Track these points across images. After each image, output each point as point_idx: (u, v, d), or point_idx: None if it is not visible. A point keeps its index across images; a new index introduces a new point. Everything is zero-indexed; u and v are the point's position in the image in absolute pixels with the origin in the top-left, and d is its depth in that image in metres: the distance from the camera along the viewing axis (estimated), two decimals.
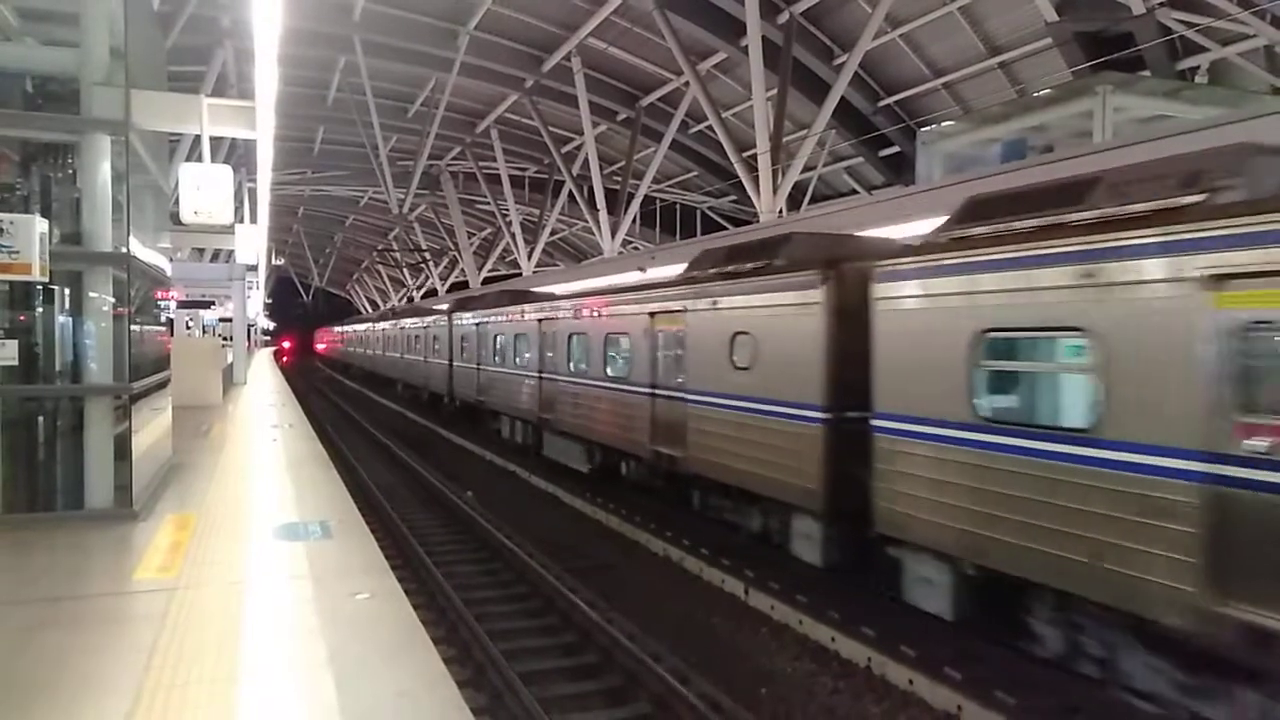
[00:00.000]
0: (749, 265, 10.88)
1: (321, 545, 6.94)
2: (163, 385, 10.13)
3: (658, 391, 12.73)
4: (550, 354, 17.14)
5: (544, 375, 17.41)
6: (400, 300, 63.87)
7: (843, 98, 20.01)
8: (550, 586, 9.74)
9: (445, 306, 29.47)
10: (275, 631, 5.07)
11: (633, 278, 18.55)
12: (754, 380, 10.31)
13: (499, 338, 21.00)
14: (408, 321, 35.02)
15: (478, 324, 23.17)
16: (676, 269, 17.57)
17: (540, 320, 17.75)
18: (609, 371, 14.39)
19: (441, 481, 16.32)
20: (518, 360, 19.27)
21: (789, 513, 9.96)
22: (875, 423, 8.29)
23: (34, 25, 8.32)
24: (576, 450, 15.93)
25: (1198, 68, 16.05)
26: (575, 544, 12.19)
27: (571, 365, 15.98)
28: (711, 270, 11.71)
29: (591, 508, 14.13)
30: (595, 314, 14.88)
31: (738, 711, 6.63)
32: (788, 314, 9.67)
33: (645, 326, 13.02)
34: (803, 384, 9.38)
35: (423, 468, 18.06)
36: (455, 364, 25.71)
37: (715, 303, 11.15)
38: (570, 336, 16.02)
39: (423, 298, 55.61)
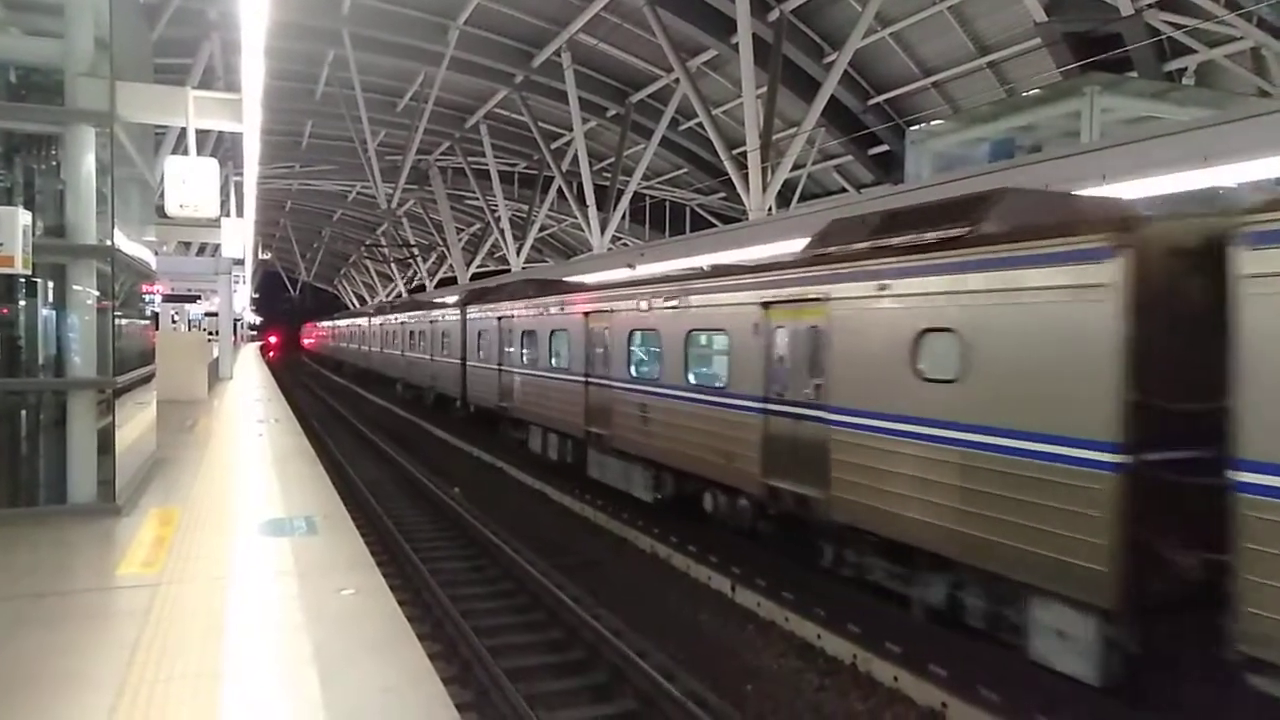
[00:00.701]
0: (932, 235, 7.83)
1: (307, 541, 6.91)
2: (147, 380, 10.06)
3: (774, 407, 9.62)
4: (602, 354, 14.22)
5: (592, 380, 14.42)
6: (389, 295, 62.90)
7: (832, 96, 20.01)
8: (536, 583, 9.73)
9: (456, 299, 27.25)
10: (260, 627, 5.05)
11: (701, 261, 16.40)
12: (962, 398, 7.22)
13: (530, 335, 17.71)
14: (410, 316, 31.87)
15: (500, 318, 19.82)
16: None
17: (588, 314, 14.74)
18: (691, 378, 11.49)
19: (428, 477, 16.28)
20: (555, 361, 16.20)
21: (1026, 595, 6.87)
22: (1243, 476, 5.28)
23: (18, 15, 8.24)
24: (638, 475, 13.06)
25: (1185, 69, 16.14)
26: (562, 540, 12.19)
27: (634, 370, 13.16)
28: (867, 244, 8.63)
29: (579, 504, 14.12)
30: (673, 306, 11.90)
31: (724, 708, 6.64)
32: (1038, 302, 6.64)
33: (756, 321, 9.93)
34: (1072, 409, 6.33)
35: (409, 463, 18.00)
36: (470, 364, 22.69)
37: (883, 287, 8.09)
38: (632, 334, 13.20)
39: (411, 292, 54.47)
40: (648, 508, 12.82)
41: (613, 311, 13.86)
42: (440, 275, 50.03)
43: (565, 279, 20.58)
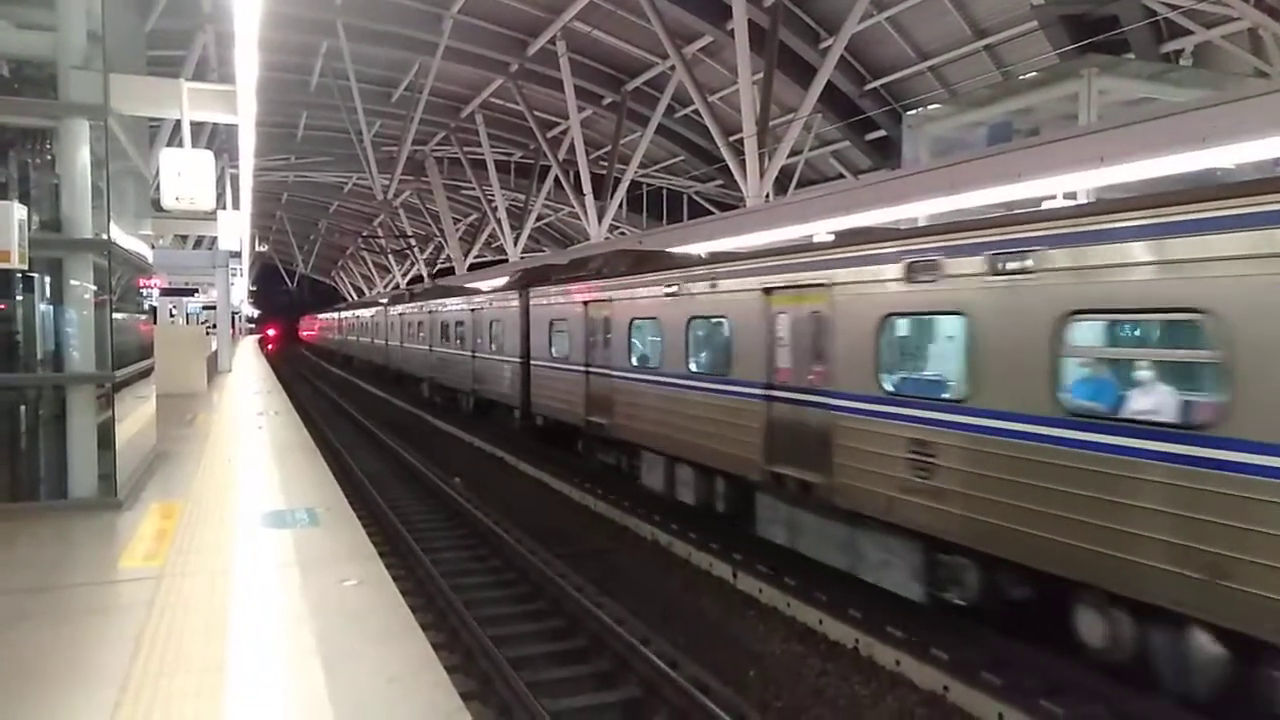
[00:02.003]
0: None
1: (309, 533, 6.92)
2: (146, 373, 10.06)
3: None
4: (811, 354, 9.08)
5: (783, 394, 9.51)
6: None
7: (829, 81, 19.93)
8: (539, 572, 9.75)
9: (509, 279, 22.07)
10: (263, 619, 5.06)
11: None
12: None
13: (648, 325, 12.85)
14: (441, 304, 26.82)
15: (590, 303, 14.59)
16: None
17: (770, 291, 9.71)
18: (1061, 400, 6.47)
19: (429, 468, 16.29)
20: (698, 363, 11.46)
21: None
22: None
23: (10, 8, 8.18)
24: (900, 556, 7.95)
25: (1182, 50, 16.06)
26: (564, 530, 12.21)
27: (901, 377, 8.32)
28: None
29: (580, 493, 14.13)
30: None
31: (726, 694, 6.66)
32: None
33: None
34: None
35: (410, 455, 18.01)
36: (537, 363, 17.61)
37: None
38: (889, 322, 8.12)
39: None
40: (649, 496, 12.77)
41: (868, 290, 8.25)
42: (439, 266, 49.88)
43: (679, 250, 15.17)
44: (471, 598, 9.03)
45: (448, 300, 26.53)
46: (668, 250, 15.59)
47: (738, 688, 6.95)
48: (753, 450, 9.84)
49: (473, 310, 23.11)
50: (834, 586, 8.75)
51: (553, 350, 16.67)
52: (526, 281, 19.11)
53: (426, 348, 28.03)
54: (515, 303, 19.05)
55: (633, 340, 13.32)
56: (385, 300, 39.41)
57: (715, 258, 11.91)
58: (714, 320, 11.21)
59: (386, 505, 13.12)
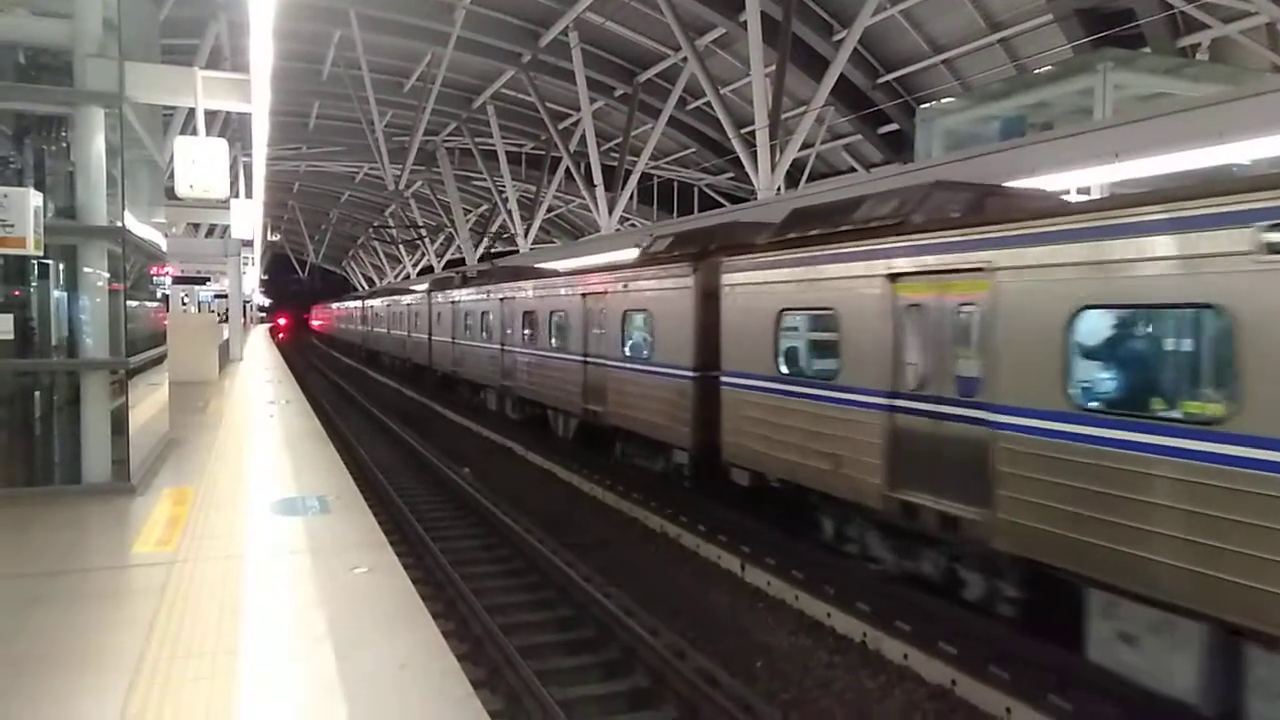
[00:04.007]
0: None
1: (320, 520, 6.96)
2: (159, 361, 10.11)
3: None
4: None
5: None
6: (397, 277, 61.30)
7: (842, 74, 19.89)
8: (547, 561, 9.78)
9: (660, 251, 13.58)
10: (274, 605, 5.09)
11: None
12: None
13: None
14: (519, 289, 19.39)
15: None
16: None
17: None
18: None
19: (438, 458, 16.34)
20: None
21: None
22: None
23: None
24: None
25: (1199, 45, 15.95)
26: (572, 520, 12.23)
27: None
28: None
29: (588, 484, 14.16)
30: None
31: (734, 685, 6.68)
32: None
33: None
34: None
35: (420, 444, 18.07)
36: (734, 380, 10.64)
37: None
38: None
39: (418, 274, 52.12)
40: (658, 485, 12.75)
41: None
42: (449, 256, 49.96)
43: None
44: (480, 586, 9.06)
45: (526, 284, 19.05)
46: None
47: (745, 679, 6.97)
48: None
49: (582, 296, 15.38)
50: (842, 580, 8.76)
51: (783, 362, 9.84)
52: (700, 251, 11.94)
53: (497, 347, 20.75)
54: (683, 282, 11.87)
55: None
56: (427, 285, 31.44)
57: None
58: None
59: (396, 494, 13.18)
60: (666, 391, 12.24)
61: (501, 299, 20.62)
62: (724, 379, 10.87)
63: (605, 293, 14.32)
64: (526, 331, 18.63)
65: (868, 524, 8.82)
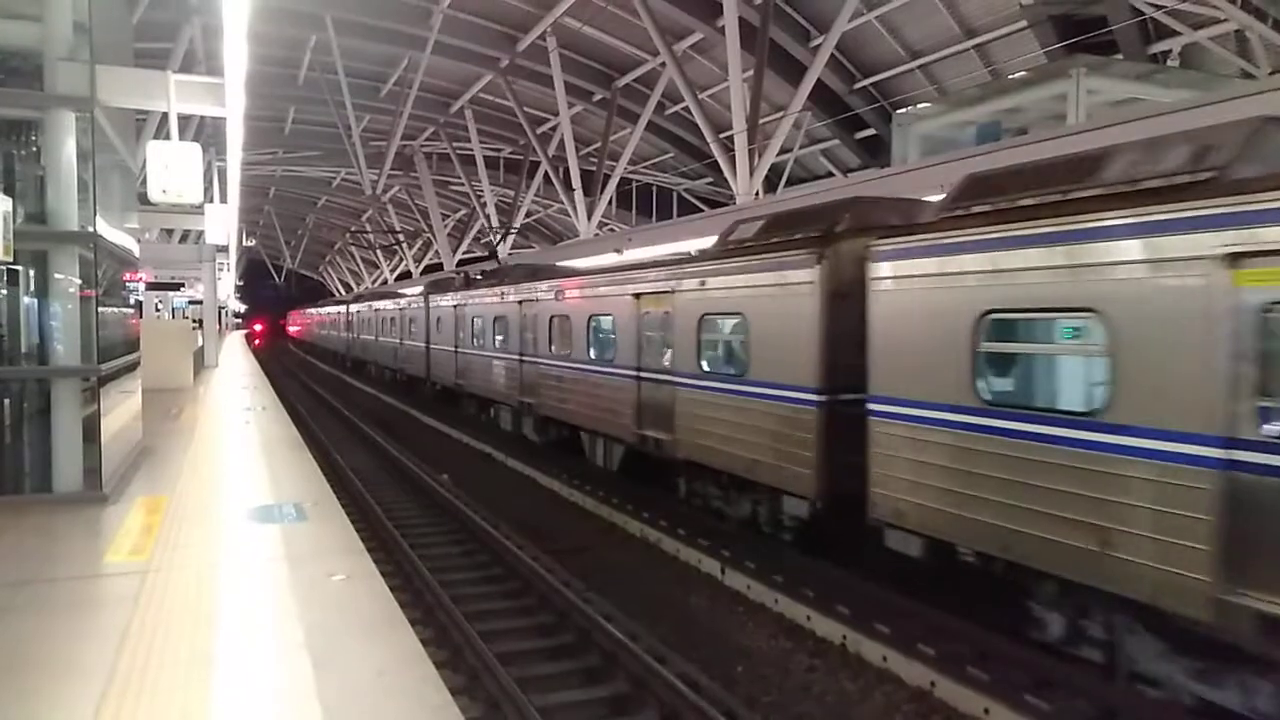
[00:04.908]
0: None
1: (296, 527, 6.89)
2: (132, 368, 9.99)
3: None
4: None
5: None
6: (375, 283, 60.65)
7: (819, 79, 20.02)
8: (527, 568, 9.74)
9: (810, 237, 9.52)
10: (250, 613, 5.03)
11: None
12: None
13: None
14: (535, 289, 16.89)
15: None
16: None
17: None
18: None
19: (416, 464, 16.25)
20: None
21: None
22: None
23: None
24: None
25: (1170, 51, 16.19)
26: (552, 526, 12.19)
27: None
28: None
29: (568, 490, 14.12)
30: None
31: (715, 689, 6.67)
32: None
33: None
34: None
35: (397, 450, 17.96)
36: (887, 410, 7.94)
37: None
38: None
39: (396, 280, 51.41)
40: (636, 492, 12.73)
41: None
42: (426, 261, 49.77)
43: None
44: (460, 593, 9.01)
45: (553, 284, 16.16)
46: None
47: (726, 683, 6.96)
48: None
49: (635, 297, 12.66)
50: (822, 583, 8.78)
51: (987, 388, 7.10)
52: (824, 234, 9.28)
53: (515, 357, 17.87)
54: (802, 275, 9.16)
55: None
56: (424, 288, 27.60)
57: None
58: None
59: (374, 500, 13.08)
60: (772, 420, 9.56)
61: (520, 301, 17.56)
62: (874, 406, 8.05)
63: (671, 292, 11.58)
64: (554, 339, 15.80)
65: (1143, 630, 6.13)
